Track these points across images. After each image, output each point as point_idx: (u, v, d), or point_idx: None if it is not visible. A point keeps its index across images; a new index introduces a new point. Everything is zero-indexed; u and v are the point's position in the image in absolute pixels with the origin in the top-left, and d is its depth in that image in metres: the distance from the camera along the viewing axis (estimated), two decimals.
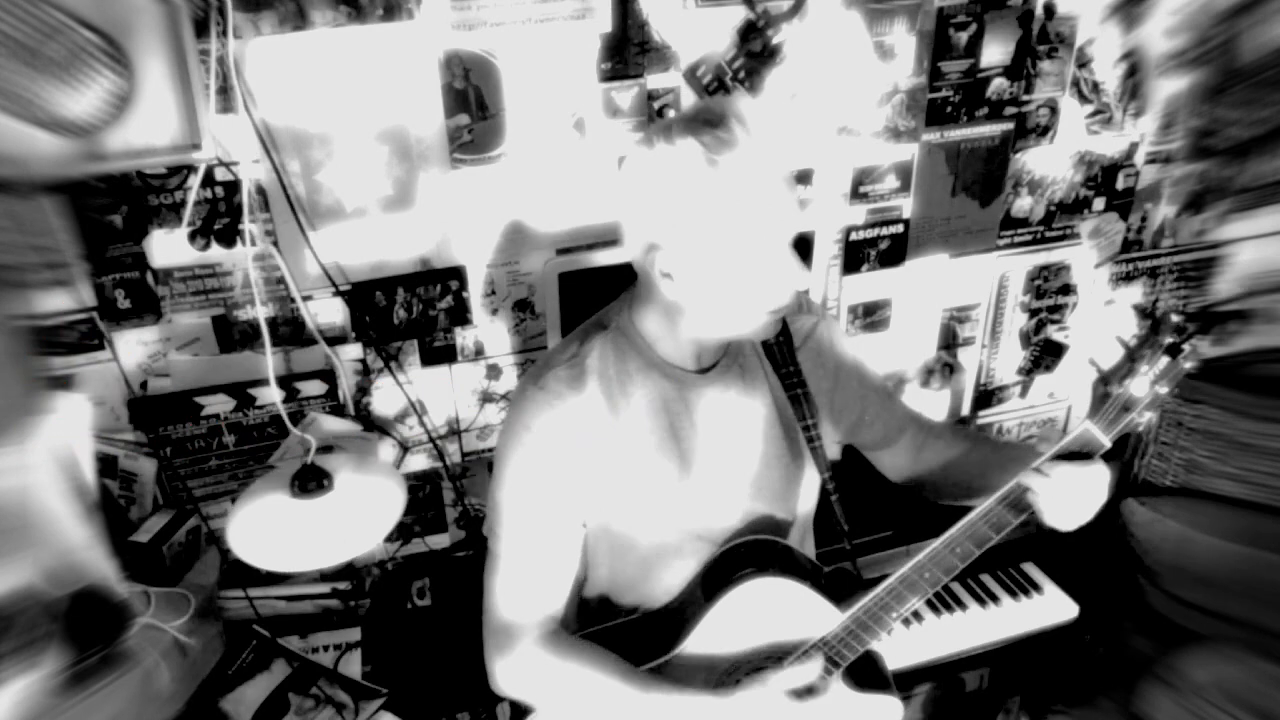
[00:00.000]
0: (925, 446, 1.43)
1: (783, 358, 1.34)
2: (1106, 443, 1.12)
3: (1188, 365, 1.07)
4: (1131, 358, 1.10)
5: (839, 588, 1.31)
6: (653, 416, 1.28)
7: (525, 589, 1.28)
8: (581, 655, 1.27)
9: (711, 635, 1.28)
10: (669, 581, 1.35)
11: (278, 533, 1.42)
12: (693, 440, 1.30)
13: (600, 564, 1.36)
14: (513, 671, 1.28)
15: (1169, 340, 1.08)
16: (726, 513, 1.34)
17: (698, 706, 1.22)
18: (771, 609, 1.28)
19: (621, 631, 1.36)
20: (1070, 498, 1.13)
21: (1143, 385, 1.09)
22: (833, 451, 1.47)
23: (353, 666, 1.72)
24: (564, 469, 1.25)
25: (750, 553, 1.33)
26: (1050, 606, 1.87)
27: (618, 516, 1.30)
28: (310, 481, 1.44)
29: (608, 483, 1.27)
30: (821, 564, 1.39)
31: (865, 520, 1.39)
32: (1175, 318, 1.08)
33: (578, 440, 1.24)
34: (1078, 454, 1.13)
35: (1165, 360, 1.08)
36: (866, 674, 1.33)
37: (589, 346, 1.29)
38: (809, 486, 1.40)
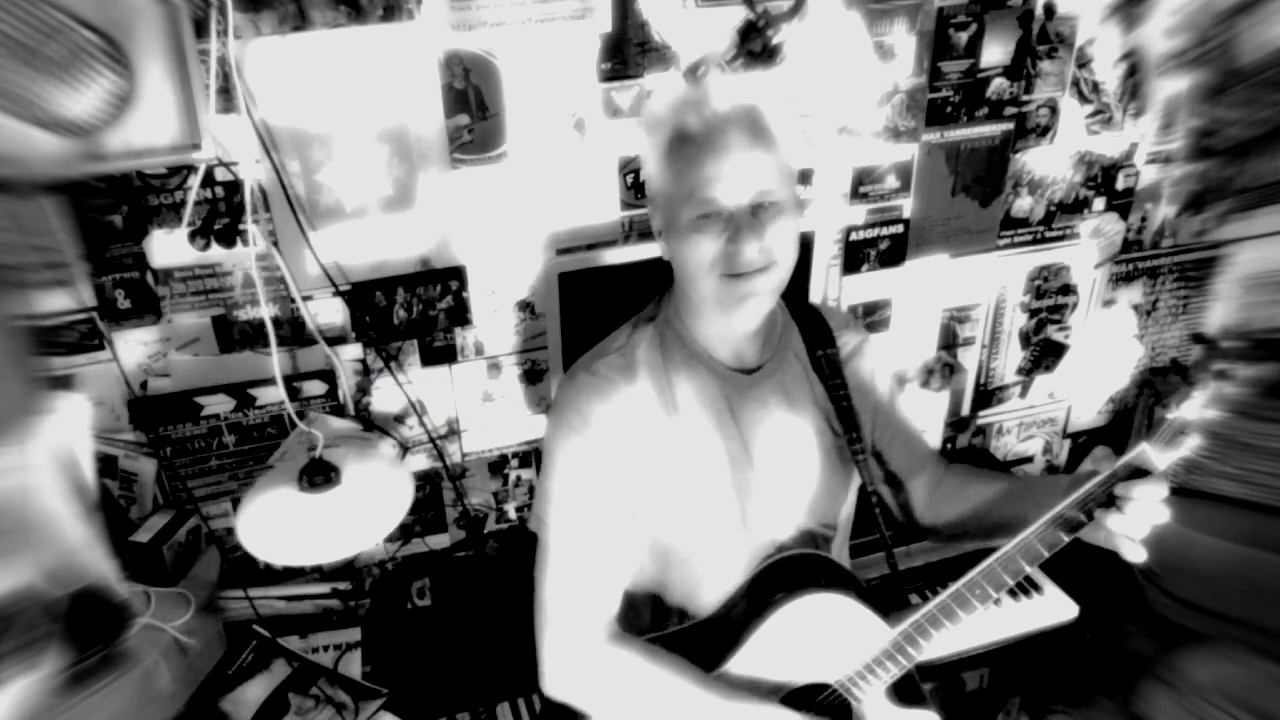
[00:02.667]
0: (942, 482, 1.42)
1: (830, 369, 1.33)
2: (1160, 467, 1.10)
3: (1231, 391, 1.07)
4: (1188, 382, 1.09)
5: (879, 600, 1.29)
6: (703, 414, 1.26)
7: (580, 583, 1.23)
8: (651, 656, 1.23)
9: (761, 651, 1.25)
10: (711, 589, 1.31)
11: (286, 527, 1.42)
12: (746, 444, 1.28)
13: (641, 565, 1.32)
14: (571, 670, 1.23)
15: (1220, 366, 1.08)
16: (779, 523, 1.32)
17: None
18: (821, 625, 1.25)
19: (664, 644, 1.30)
20: (1141, 522, 1.11)
21: (1194, 409, 1.08)
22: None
23: (353, 666, 1.72)
24: (618, 457, 1.22)
25: (796, 567, 1.30)
26: (1050, 606, 1.87)
27: (666, 515, 1.27)
28: (318, 475, 1.45)
29: (659, 478, 1.25)
30: (858, 572, 1.38)
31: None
32: (1228, 344, 1.08)
33: (631, 430, 1.23)
34: (1132, 474, 1.11)
35: (1215, 385, 1.08)
36: (905, 688, 1.31)
37: (638, 337, 1.28)
38: (851, 498, 1.40)
